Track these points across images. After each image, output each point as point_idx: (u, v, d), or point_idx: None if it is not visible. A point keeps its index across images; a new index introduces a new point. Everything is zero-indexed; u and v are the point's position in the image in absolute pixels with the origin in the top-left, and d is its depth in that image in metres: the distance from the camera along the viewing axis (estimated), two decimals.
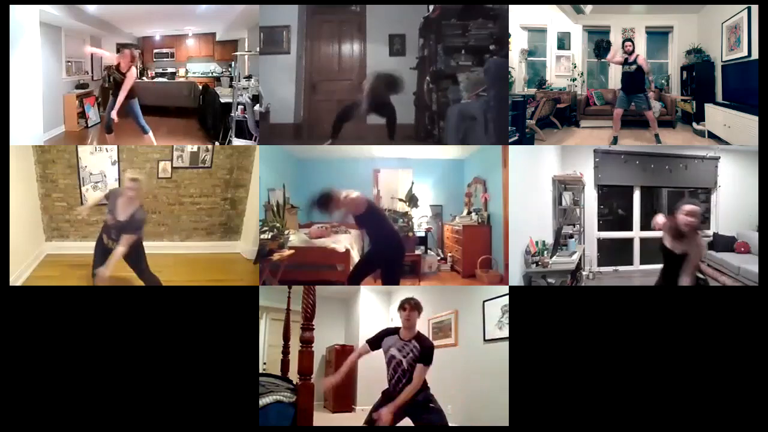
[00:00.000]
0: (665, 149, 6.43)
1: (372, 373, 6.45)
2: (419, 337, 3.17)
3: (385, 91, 5.14)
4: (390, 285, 4.00)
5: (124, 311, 3.34)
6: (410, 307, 3.19)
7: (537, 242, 4.99)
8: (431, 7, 5.63)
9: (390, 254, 4.02)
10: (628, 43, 5.53)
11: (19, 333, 3.28)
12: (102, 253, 3.97)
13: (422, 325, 5.61)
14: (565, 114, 6.44)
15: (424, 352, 3.11)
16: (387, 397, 3.15)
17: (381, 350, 3.26)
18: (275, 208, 5.56)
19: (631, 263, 6.79)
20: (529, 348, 3.35)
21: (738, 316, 3.30)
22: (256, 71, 6.36)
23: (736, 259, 5.80)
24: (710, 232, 6.74)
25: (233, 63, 8.33)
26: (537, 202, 5.52)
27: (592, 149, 6.44)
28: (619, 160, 6.54)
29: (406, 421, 3.15)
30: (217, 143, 5.72)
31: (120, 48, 7.89)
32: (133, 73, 5.14)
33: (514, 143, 4.89)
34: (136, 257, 4.01)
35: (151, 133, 5.30)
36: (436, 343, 5.30)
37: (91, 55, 7.52)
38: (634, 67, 5.44)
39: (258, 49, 6.59)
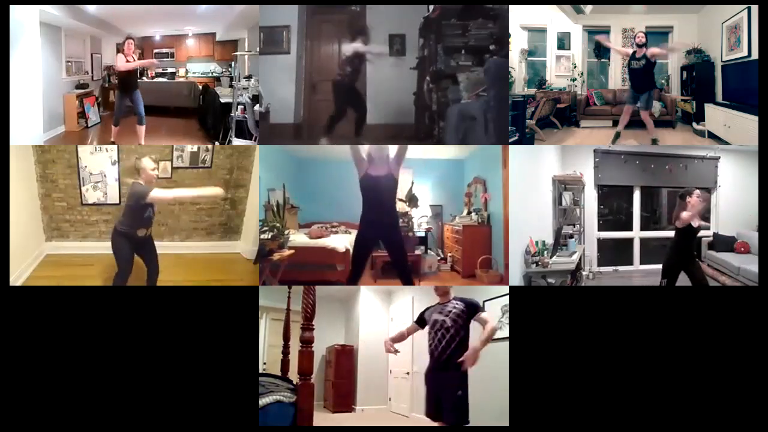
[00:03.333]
0: (665, 149, 6.42)
1: (372, 374, 6.49)
2: (456, 298, 3.16)
3: None
4: (403, 275, 3.71)
5: (124, 311, 3.34)
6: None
7: (537, 242, 4.98)
8: (431, 7, 5.62)
9: (383, 227, 3.64)
10: (641, 34, 5.27)
11: (19, 333, 3.28)
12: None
13: None
14: (565, 114, 6.44)
15: (469, 302, 3.10)
16: (435, 359, 3.08)
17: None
18: (275, 208, 5.55)
19: (631, 263, 6.79)
20: (529, 348, 3.35)
21: (738, 316, 3.30)
22: (256, 71, 6.35)
23: (736, 259, 5.79)
24: (710, 232, 6.75)
25: (233, 63, 8.33)
26: (537, 202, 5.52)
27: (592, 149, 6.44)
28: (619, 160, 6.54)
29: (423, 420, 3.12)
30: (217, 143, 5.72)
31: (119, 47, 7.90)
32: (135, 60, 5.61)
33: (514, 143, 4.88)
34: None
35: (144, 127, 5.54)
36: None
37: (91, 54, 7.57)
38: (642, 62, 5.20)
39: (258, 49, 6.59)
